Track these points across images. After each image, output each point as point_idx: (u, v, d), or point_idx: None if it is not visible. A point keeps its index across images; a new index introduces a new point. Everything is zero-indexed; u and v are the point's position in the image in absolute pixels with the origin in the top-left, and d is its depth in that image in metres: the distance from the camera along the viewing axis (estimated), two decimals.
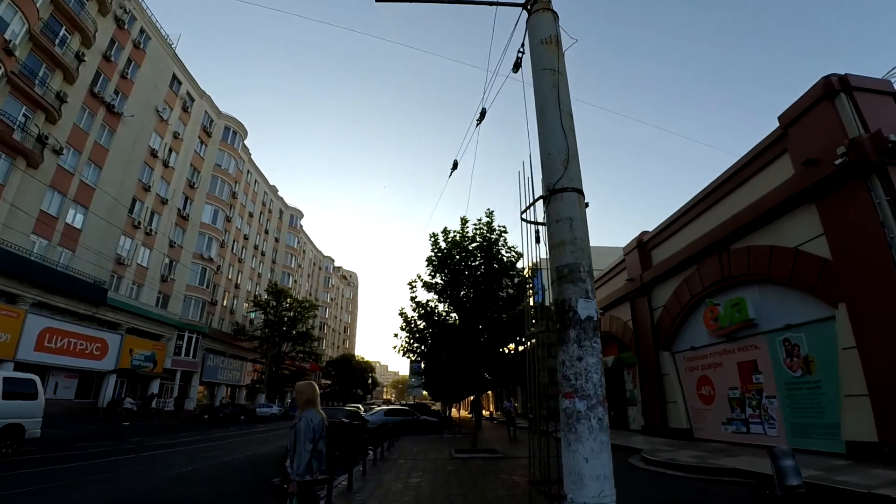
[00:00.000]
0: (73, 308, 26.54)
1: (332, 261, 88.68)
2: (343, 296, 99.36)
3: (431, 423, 22.81)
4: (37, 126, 24.25)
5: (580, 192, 3.67)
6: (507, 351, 13.56)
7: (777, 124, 12.47)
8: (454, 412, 29.05)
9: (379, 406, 29.87)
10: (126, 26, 31.52)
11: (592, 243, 4.03)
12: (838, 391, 10.44)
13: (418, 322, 13.72)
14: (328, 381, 66.92)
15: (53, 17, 25.17)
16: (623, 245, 22.74)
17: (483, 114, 5.90)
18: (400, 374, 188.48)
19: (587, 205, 3.76)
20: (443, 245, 13.72)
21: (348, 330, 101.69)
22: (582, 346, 3.41)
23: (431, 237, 14.07)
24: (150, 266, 34.79)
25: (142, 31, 33.53)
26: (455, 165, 9.21)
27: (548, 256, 3.90)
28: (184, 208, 39.70)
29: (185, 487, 8.37)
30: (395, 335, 14.16)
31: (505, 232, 13.85)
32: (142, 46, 33.50)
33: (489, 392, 44.80)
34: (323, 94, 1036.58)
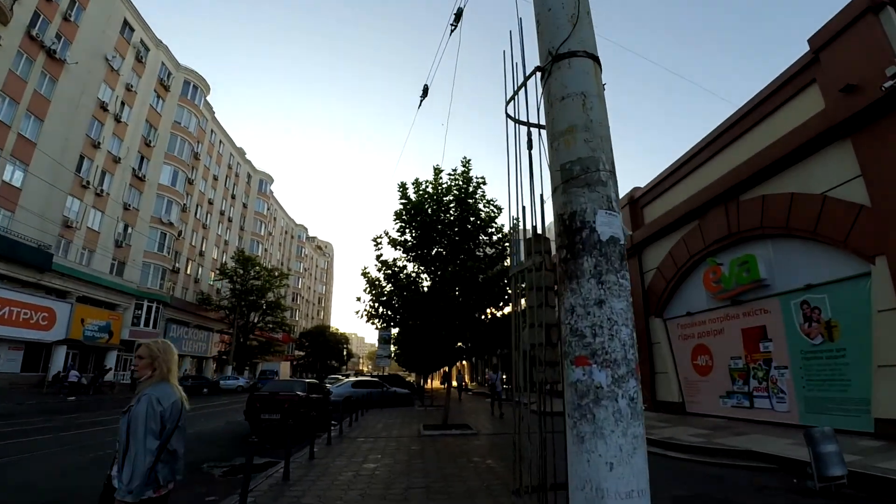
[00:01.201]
0: (13, 274, 24.27)
1: (306, 230, 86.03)
2: (317, 266, 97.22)
3: (402, 396, 22.07)
4: None
5: (595, 59, 2.53)
6: (485, 316, 12.58)
7: (802, 52, 10.85)
8: (429, 383, 28.35)
9: (348, 378, 28.89)
10: None
11: None
12: (869, 361, 9.24)
13: (384, 284, 12.50)
14: (301, 353, 65.73)
15: None
16: None
17: (459, 16, 4.65)
18: (375, 346, 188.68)
19: (604, 86, 2.61)
20: (413, 197, 12.43)
21: (323, 301, 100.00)
22: (603, 284, 2.39)
23: (400, 188, 12.68)
24: (101, 230, 32.31)
25: None
26: (425, 92, 7.88)
27: (548, 153, 2.77)
28: (139, 168, 36.90)
29: (82, 478, 6.99)
30: (358, 298, 12.88)
31: (483, 183, 12.67)
32: None
33: (464, 363, 44.55)
34: (289, 43, 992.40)
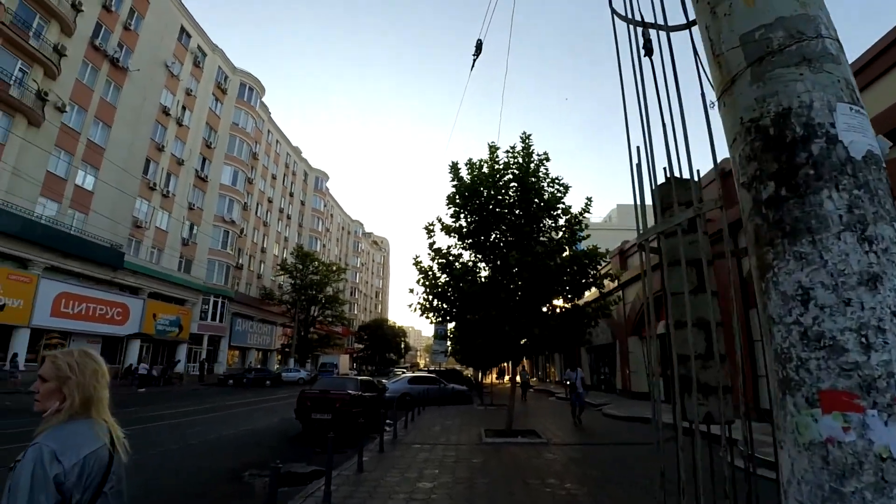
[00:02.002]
0: (89, 272, 25.74)
1: (362, 225, 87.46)
2: (374, 261, 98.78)
3: (460, 393, 20.89)
4: (35, 82, 22.66)
5: None
6: (553, 308, 10.95)
7: None
8: (488, 378, 27.03)
9: (404, 374, 28.13)
10: None
11: None
12: None
13: (438, 274, 11.23)
14: (361, 346, 66.90)
15: None
16: None
17: None
18: (434, 340, 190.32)
19: None
20: (466, 178, 11.00)
21: (380, 295, 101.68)
22: (872, 243, 1.13)
23: (451, 169, 11.21)
24: (169, 229, 33.85)
25: None
26: (479, 48, 6.46)
27: (698, 21, 1.38)
28: (201, 169, 38.33)
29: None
30: (411, 290, 11.70)
31: (546, 160, 11.02)
32: None
33: (525, 359, 42.79)
34: (342, 44, 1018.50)
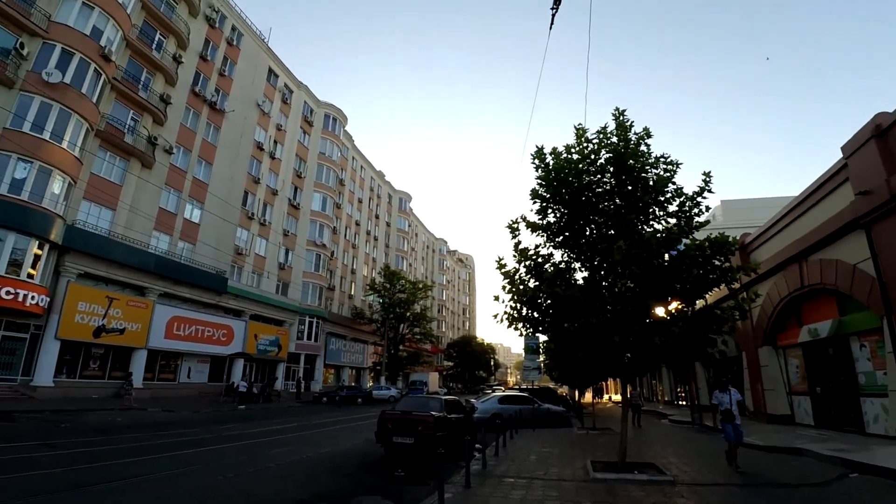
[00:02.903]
0: (197, 297, 27.87)
1: (445, 243, 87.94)
2: (459, 277, 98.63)
3: (557, 415, 18.59)
4: (145, 128, 25.36)
5: None
6: (675, 311, 8.56)
7: None
8: (586, 398, 24.23)
9: (493, 391, 26.16)
10: (217, 25, 32.15)
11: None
12: None
13: (525, 278, 9.78)
14: (450, 364, 66.16)
15: (147, 23, 25.98)
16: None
17: None
18: (523, 356, 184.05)
19: None
20: (552, 164, 9.24)
21: (467, 312, 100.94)
22: None
23: (535, 156, 9.39)
24: (267, 255, 36.01)
25: (233, 28, 34.13)
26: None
27: None
28: (294, 198, 40.63)
29: None
30: (496, 298, 9.72)
31: (647, 136, 8.98)
32: (235, 43, 34.12)
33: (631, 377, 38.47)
34: (415, 67, 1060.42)
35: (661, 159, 8.85)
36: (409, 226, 68.74)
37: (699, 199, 8.57)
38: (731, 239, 8.26)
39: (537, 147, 9.38)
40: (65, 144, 19.76)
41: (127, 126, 24.10)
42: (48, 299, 19.46)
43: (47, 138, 19.04)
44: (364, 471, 9.14)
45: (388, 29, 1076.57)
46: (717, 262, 8.16)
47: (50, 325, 19.73)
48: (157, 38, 26.54)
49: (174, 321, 25.56)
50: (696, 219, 8.70)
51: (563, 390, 51.22)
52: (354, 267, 51.80)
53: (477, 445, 11.59)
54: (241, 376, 29.18)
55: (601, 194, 8.97)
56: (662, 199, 8.75)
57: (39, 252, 18.94)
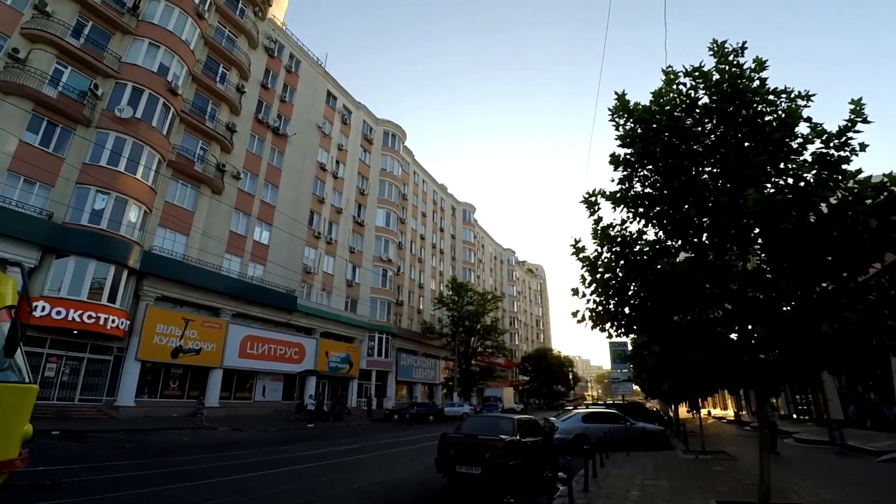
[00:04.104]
0: (268, 316, 28.37)
1: (514, 253, 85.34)
2: (530, 288, 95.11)
3: (655, 435, 15.80)
4: (214, 156, 26.52)
5: None
6: (845, 287, 5.92)
7: None
8: (681, 412, 20.84)
9: (576, 409, 23.35)
10: (276, 55, 33.47)
11: None
12: None
13: (612, 263, 7.09)
14: (525, 378, 63.05)
15: (210, 58, 27.41)
16: None
17: None
18: (604, 367, 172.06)
19: None
20: (638, 113, 7.10)
21: (541, 323, 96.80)
22: None
23: (614, 111, 7.26)
24: (334, 272, 36.34)
25: (291, 56, 35.42)
26: None
27: None
28: (358, 215, 41.01)
29: None
30: (574, 291, 7.30)
31: (762, 67, 6.63)
32: (294, 70, 35.35)
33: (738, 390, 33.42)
34: (471, 75, 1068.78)
35: (784, 94, 6.51)
36: (475, 237, 67.41)
37: (847, 136, 6.09)
38: None
39: (617, 94, 7.36)
40: (139, 175, 20.90)
41: (196, 155, 25.32)
42: (128, 322, 20.42)
43: (123, 170, 20.24)
44: None
45: (443, 38, 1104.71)
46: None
47: (131, 347, 20.68)
48: (220, 71, 27.93)
49: (247, 340, 26.08)
50: (844, 165, 6.21)
51: (654, 404, 46.23)
52: (422, 281, 51.27)
53: (560, 474, 9.61)
54: (314, 394, 29.11)
55: (708, 147, 6.75)
56: (795, 144, 6.32)
57: (119, 278, 19.96)
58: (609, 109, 7.40)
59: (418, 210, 53.29)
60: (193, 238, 24.53)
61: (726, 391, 40.65)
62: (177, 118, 23.99)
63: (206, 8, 26.04)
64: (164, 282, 22.28)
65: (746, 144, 6.39)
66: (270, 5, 33.28)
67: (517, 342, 72.07)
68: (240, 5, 29.96)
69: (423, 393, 45.46)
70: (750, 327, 5.65)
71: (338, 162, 39.34)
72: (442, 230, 59.02)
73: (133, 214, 20.66)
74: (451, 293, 47.17)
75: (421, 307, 49.97)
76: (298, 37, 38.25)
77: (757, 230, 5.88)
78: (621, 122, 7.26)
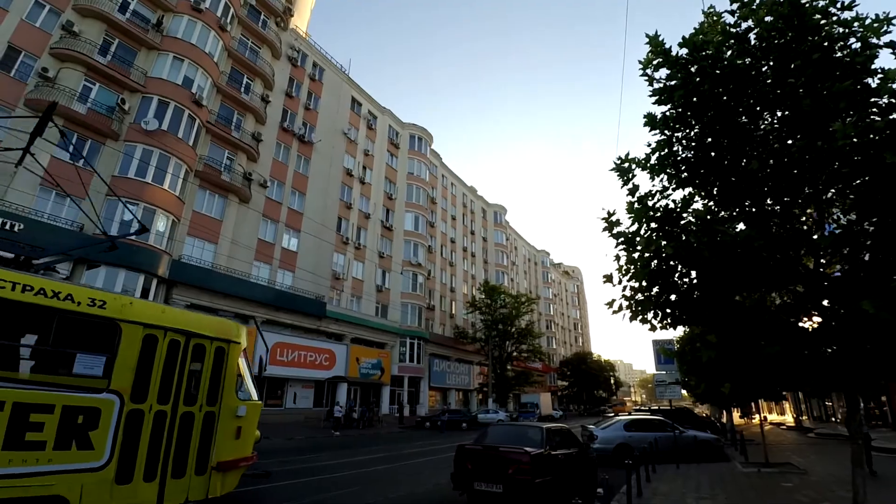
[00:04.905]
0: (298, 323, 28.33)
1: (548, 254, 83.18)
2: (567, 290, 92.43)
3: (706, 444, 14.19)
4: (241, 166, 26.81)
5: None
6: None
7: None
8: (734, 418, 18.92)
9: (617, 416, 21.61)
10: (299, 64, 33.77)
11: None
12: None
13: (655, 237, 5.72)
14: (564, 383, 60.83)
15: (234, 69, 27.83)
16: None
17: None
18: (647, 371, 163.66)
19: None
20: (679, 57, 5.92)
21: (579, 326, 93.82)
22: None
23: (645, 63, 6.00)
24: (364, 278, 36.11)
25: (314, 64, 35.68)
26: None
27: None
28: (386, 220, 40.76)
29: None
30: (608, 278, 6.11)
31: None
32: (318, 79, 35.57)
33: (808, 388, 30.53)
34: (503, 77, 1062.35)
35: (857, 20, 5.21)
36: (507, 239, 66.02)
37: None
38: None
39: (649, 37, 6.13)
40: (166, 185, 21.24)
41: (223, 165, 25.64)
42: None
43: (150, 181, 20.58)
44: None
45: (470, 39, 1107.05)
46: None
47: None
48: (244, 82, 28.32)
49: (277, 347, 26.04)
50: None
51: (702, 410, 43.27)
52: (453, 285, 50.46)
53: (599, 491, 8.48)
54: (344, 401, 28.78)
55: (765, 91, 5.49)
56: (871, 76, 5.01)
57: (148, 287, 20.24)
58: (639, 62, 6.23)
59: (447, 213, 52.64)
60: (222, 246, 24.78)
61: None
62: (203, 129, 24.36)
63: (228, 20, 26.46)
64: (193, 290, 22.52)
65: (817, 101, 5.17)
66: (292, 15, 33.66)
67: (555, 346, 69.86)
68: (262, 17, 30.39)
69: (457, 399, 44.53)
70: (842, 310, 4.44)
71: (364, 167, 39.27)
72: (472, 233, 58.10)
73: (161, 224, 20.99)
74: (483, 296, 46.10)
75: (453, 312, 49.13)
76: (322, 45, 38.53)
77: (843, 181, 4.68)
78: (656, 73, 6.10)
